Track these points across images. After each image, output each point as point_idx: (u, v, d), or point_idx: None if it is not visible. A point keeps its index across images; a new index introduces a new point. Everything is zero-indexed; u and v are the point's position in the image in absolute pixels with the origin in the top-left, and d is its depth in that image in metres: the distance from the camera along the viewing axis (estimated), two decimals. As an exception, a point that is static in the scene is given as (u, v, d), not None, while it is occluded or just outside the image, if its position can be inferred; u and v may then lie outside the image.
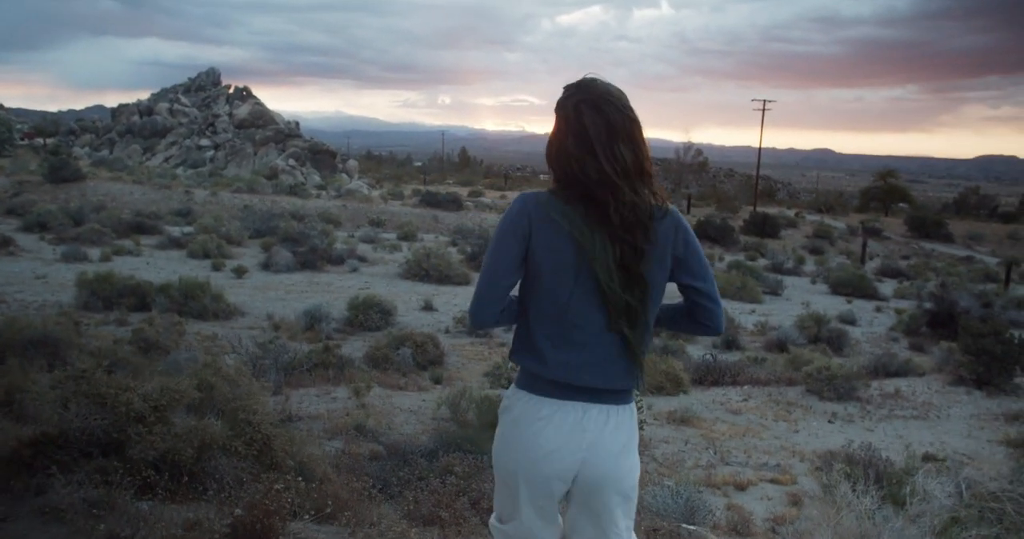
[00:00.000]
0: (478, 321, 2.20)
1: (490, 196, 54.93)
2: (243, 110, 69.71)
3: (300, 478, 4.70)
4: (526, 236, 1.99)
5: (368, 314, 15.87)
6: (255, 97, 73.45)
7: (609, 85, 2.00)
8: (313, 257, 25.11)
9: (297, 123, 70.96)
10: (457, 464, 6.73)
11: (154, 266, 23.20)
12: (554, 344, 2.06)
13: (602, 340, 2.04)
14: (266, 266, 24.33)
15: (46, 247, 25.76)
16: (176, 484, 4.56)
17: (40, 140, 72.22)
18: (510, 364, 11.30)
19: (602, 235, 1.95)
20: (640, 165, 1.99)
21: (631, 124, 1.97)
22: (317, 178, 57.05)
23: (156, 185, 41.99)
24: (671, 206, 2.07)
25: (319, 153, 64.13)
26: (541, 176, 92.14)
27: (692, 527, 6.34)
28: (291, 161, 60.87)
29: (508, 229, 2.03)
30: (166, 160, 64.19)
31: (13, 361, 10.53)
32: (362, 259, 27.16)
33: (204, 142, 66.25)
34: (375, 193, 50.61)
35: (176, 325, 13.96)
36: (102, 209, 33.71)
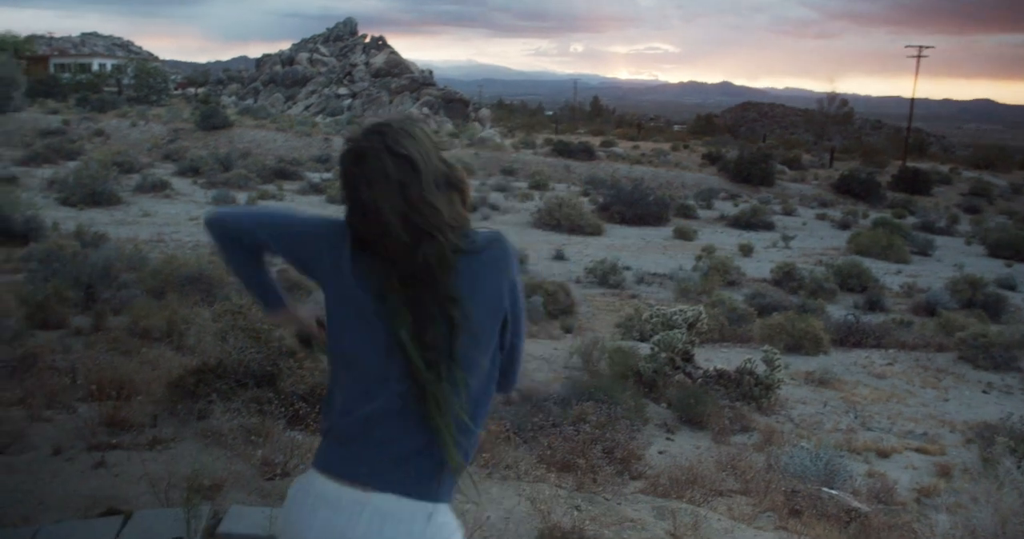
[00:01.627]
0: (212, 222, 1.79)
1: (623, 146, 54.06)
2: (379, 59, 71.06)
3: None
4: (310, 256, 1.69)
5: (500, 262, 16.01)
6: (390, 46, 74.68)
7: (385, 126, 1.63)
8: (447, 205, 25.55)
9: (431, 72, 71.75)
10: (591, 413, 6.73)
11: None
12: (345, 405, 1.62)
13: (397, 405, 1.58)
14: (404, 213, 24.95)
15: (198, 190, 27.35)
16: (324, 417, 4.74)
17: (192, 90, 76.24)
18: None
19: (394, 288, 1.59)
20: (409, 213, 1.57)
21: (398, 169, 1.57)
22: (450, 126, 57.69)
23: (297, 133, 43.64)
24: (486, 238, 1.65)
25: (452, 102, 64.77)
26: (675, 126, 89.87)
27: (833, 491, 6.11)
28: (425, 109, 61.79)
29: (305, 226, 1.73)
30: (306, 108, 66.49)
31: (172, 296, 11.30)
32: (494, 207, 27.42)
33: (342, 91, 68.12)
34: (507, 142, 50.74)
35: (318, 267, 14.52)
36: (248, 155, 35.41)
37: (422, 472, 1.56)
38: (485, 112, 68.45)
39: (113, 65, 73.75)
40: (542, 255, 19.36)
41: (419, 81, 67.49)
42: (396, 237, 1.57)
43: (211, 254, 15.84)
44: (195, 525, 3.12)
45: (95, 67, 72.46)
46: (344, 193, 1.63)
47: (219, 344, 5.32)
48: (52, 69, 69.46)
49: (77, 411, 4.98)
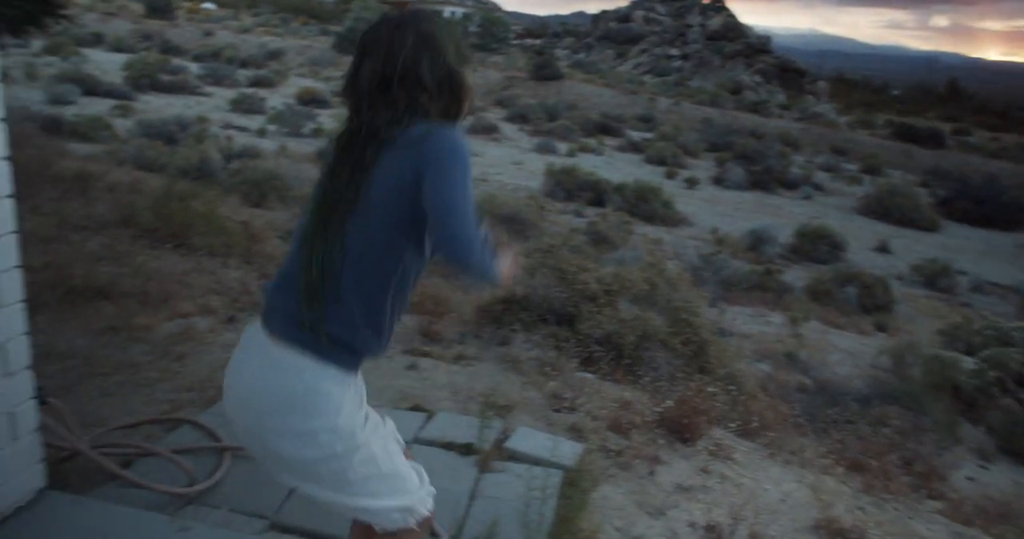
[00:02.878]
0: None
1: (979, 136, 48.01)
2: (715, 22, 69.21)
3: (733, 388, 4.66)
4: None
5: (816, 245, 15.20)
6: (728, 9, 72.29)
7: (425, 14, 1.74)
8: (766, 178, 24.57)
9: (768, 38, 68.53)
10: (894, 418, 6.16)
11: (613, 166, 24.64)
12: (285, 259, 1.79)
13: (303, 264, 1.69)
14: (718, 181, 24.45)
15: (524, 137, 28.81)
16: (616, 365, 4.82)
17: (529, 41, 79.88)
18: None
19: (338, 148, 1.71)
20: (383, 82, 1.66)
21: (398, 43, 1.67)
22: (781, 97, 54.96)
23: (624, 90, 44.14)
24: (436, 125, 1.65)
25: (787, 72, 61.48)
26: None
27: None
28: (757, 78, 59.35)
29: None
30: (635, 67, 66.85)
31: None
32: (817, 187, 25.87)
33: (673, 52, 67.48)
34: (842, 119, 47.28)
35: (626, 224, 14.75)
36: (574, 108, 36.50)
37: (305, 328, 1.64)
38: (822, 85, 64.19)
39: (462, 13, 79.48)
40: (863, 245, 17.93)
41: (754, 47, 64.80)
42: (359, 97, 1.68)
43: (527, 198, 16.72)
44: (486, 435, 3.35)
45: (447, 14, 78.52)
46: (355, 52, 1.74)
47: (527, 279, 5.59)
48: (412, 15, 76.34)
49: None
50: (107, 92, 24.41)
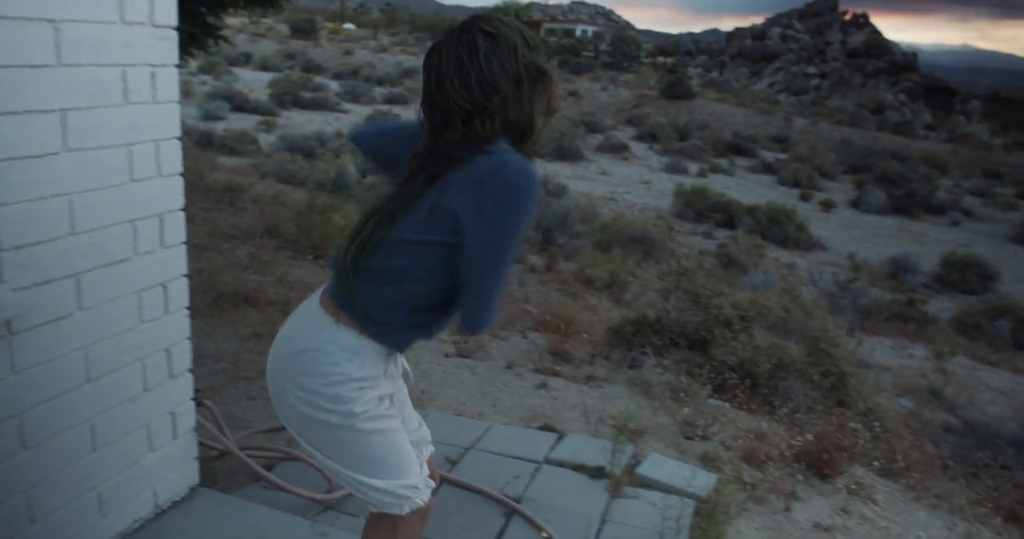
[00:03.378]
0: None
1: None
2: (857, 38, 66.59)
3: (877, 423, 4.41)
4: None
5: (964, 274, 14.25)
6: (872, 25, 69.42)
7: (487, 16, 1.63)
8: (909, 202, 23.33)
9: (915, 55, 65.31)
10: (1057, 466, 5.67)
11: (744, 187, 24.02)
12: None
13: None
14: (855, 204, 23.44)
15: (653, 156, 28.50)
16: (750, 393, 4.66)
17: (661, 59, 79.18)
18: None
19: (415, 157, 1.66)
20: (446, 98, 1.57)
21: (457, 59, 1.56)
22: (927, 117, 52.19)
23: (757, 109, 43.00)
24: (495, 156, 1.54)
25: (935, 90, 58.38)
26: None
27: None
28: (901, 96, 56.62)
29: (399, 130, 1.92)
30: (770, 85, 65.08)
31: (617, 251, 12.02)
32: (967, 213, 24.33)
33: (810, 70, 65.35)
34: (997, 141, 44.39)
35: (757, 247, 14.32)
36: (705, 127, 35.84)
37: (336, 296, 1.69)
38: (974, 104, 60.57)
39: (593, 32, 79.64)
40: (1019, 276, 16.70)
41: (899, 65, 61.89)
42: (439, 112, 1.59)
43: (656, 218, 16.51)
44: (618, 460, 3.29)
45: (578, 33, 78.97)
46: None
47: (660, 301, 5.49)
48: (543, 33, 77.24)
49: (528, 336, 5.55)
50: (253, 108, 25.88)
